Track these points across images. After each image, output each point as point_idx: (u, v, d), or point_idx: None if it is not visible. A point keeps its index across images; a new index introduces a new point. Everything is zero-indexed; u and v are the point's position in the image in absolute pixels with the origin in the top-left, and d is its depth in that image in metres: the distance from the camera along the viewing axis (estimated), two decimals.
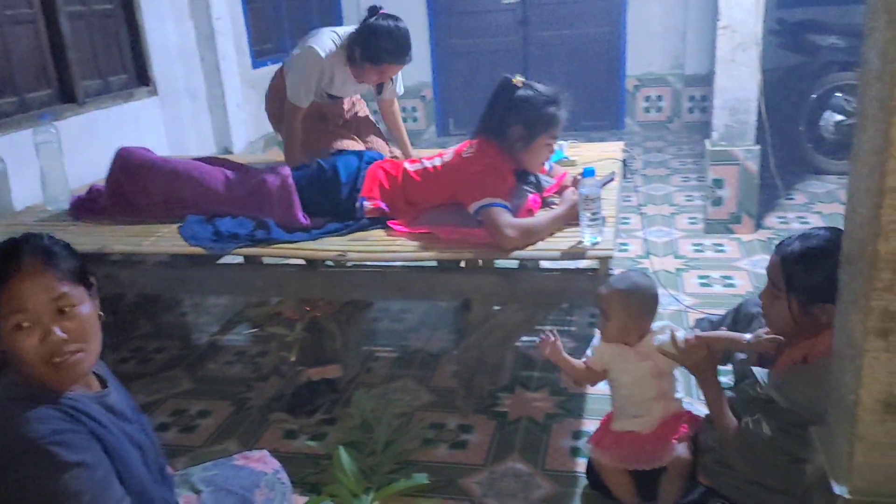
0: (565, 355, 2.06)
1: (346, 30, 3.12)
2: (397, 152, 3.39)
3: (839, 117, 5.08)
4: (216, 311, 3.81)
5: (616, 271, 2.21)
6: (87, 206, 2.97)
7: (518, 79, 2.54)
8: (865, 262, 1.36)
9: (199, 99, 4.52)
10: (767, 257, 1.86)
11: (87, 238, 2.71)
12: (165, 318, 3.65)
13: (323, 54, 3.02)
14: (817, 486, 1.59)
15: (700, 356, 1.85)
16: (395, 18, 2.98)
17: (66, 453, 1.27)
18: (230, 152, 4.62)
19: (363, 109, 3.53)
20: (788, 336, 1.78)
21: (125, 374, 3.05)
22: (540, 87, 2.53)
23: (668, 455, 1.89)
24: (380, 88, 3.33)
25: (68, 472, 1.27)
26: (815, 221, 4.42)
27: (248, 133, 4.94)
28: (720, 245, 4.12)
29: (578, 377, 2.12)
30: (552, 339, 2.04)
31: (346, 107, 3.42)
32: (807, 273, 1.70)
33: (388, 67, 3.04)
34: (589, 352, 2.08)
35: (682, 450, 1.90)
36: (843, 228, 1.75)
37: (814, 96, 5.24)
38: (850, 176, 1.45)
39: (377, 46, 2.95)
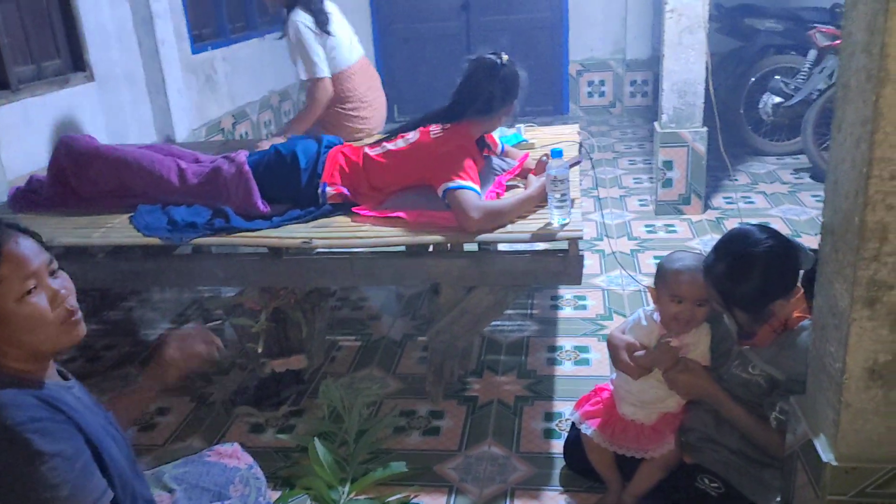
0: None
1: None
2: None
3: (777, 99, 5.21)
4: (164, 306, 3.67)
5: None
6: (28, 198, 2.81)
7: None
8: (852, 232, 1.37)
9: (139, 85, 4.32)
10: (717, 237, 1.84)
11: None
12: (112, 315, 3.49)
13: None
14: (800, 455, 1.61)
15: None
16: None
17: (43, 442, 1.19)
18: (172, 141, 4.44)
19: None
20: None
21: (73, 373, 2.88)
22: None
23: (662, 448, 1.89)
24: None
25: (46, 462, 1.19)
26: (759, 201, 4.54)
27: (191, 121, 4.76)
28: (671, 226, 4.19)
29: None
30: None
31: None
32: (743, 285, 1.68)
33: None
34: (630, 336, 1.93)
35: (672, 443, 1.90)
36: (746, 225, 1.77)
37: (752, 80, 5.39)
38: (831, 148, 1.47)
39: None
